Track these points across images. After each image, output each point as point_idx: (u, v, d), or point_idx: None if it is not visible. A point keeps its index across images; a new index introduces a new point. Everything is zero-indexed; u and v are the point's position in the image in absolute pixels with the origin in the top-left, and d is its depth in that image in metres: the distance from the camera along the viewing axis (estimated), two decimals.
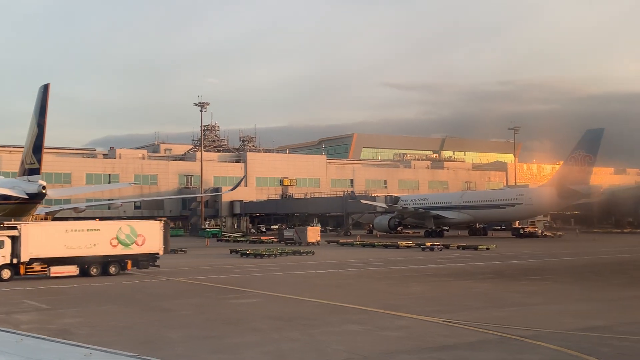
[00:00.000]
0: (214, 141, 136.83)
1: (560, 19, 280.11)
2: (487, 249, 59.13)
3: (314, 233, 71.13)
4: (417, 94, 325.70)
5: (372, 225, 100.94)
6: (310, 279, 35.52)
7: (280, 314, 22.60)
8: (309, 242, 69.49)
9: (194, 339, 18.38)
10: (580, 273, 38.10)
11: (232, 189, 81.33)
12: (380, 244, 66.78)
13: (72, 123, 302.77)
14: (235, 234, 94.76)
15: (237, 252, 55.13)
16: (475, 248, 59.19)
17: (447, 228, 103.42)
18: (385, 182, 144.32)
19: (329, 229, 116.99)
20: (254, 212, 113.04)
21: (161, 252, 38.67)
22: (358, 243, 69.98)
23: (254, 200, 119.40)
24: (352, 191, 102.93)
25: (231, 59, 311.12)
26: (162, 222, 39.39)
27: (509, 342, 17.37)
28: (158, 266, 38.39)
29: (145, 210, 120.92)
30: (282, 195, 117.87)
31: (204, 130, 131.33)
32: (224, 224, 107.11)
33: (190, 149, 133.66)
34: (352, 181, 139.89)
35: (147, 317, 22.96)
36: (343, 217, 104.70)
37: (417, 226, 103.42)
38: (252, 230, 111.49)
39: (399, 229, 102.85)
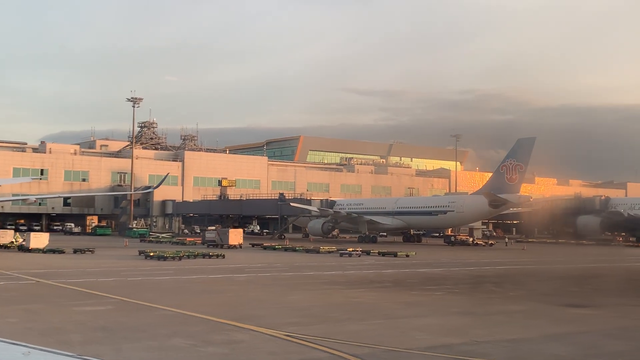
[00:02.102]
0: (152, 138, 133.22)
1: (520, 32, 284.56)
2: (407, 255, 57.83)
3: (235, 235, 68.87)
4: (377, 100, 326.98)
5: (307, 229, 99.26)
6: (192, 284, 33.26)
7: (113, 325, 20.28)
8: (231, 245, 67.41)
9: None
10: (481, 283, 36.79)
11: (156, 187, 78.29)
12: (302, 248, 65.08)
13: (30, 117, 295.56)
14: (163, 235, 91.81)
15: (144, 253, 52.48)
16: (395, 255, 57.83)
17: (385, 234, 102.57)
18: (327, 185, 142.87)
19: (266, 232, 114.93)
20: (187, 213, 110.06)
21: None
22: (280, 247, 68.00)
23: (190, 200, 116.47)
24: (281, 193, 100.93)
25: (191, 58, 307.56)
26: None
27: None
28: None
29: (74, 207, 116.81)
30: (220, 196, 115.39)
31: (141, 127, 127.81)
32: (154, 223, 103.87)
33: (126, 146, 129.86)
34: (294, 184, 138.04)
35: None
36: (284, 220, 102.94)
37: (355, 231, 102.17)
38: (186, 231, 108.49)
39: (335, 233, 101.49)
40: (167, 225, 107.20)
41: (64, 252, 55.41)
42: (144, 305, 24.74)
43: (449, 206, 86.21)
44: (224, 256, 52.06)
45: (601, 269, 52.00)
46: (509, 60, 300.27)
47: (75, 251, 56.51)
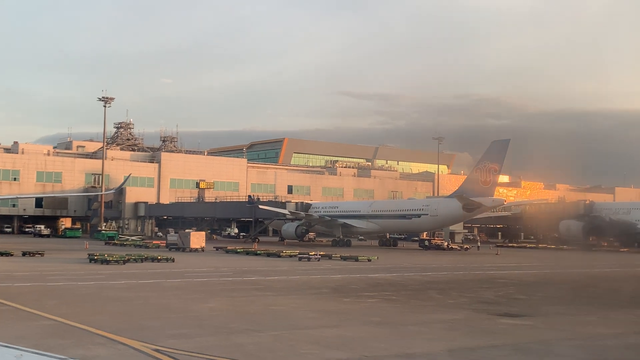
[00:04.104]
0: (128, 139, 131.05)
1: (516, 37, 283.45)
2: (369, 260, 55.97)
3: (197, 239, 66.97)
4: (373, 104, 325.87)
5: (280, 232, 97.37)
6: (111, 290, 31.21)
7: None
8: (192, 248, 65.64)
9: None
10: (425, 290, 34.83)
11: (118, 188, 76.22)
12: (264, 252, 63.17)
13: (26, 120, 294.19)
14: (133, 238, 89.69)
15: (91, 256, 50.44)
16: (356, 259, 55.95)
17: (362, 237, 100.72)
18: (309, 188, 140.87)
19: (243, 235, 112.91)
20: (161, 215, 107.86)
21: None
22: (242, 251, 66.09)
23: (167, 202, 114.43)
24: (250, 195, 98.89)
25: (187, 62, 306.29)
26: None
27: None
28: None
29: (47, 209, 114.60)
30: (198, 199, 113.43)
31: (117, 127, 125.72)
32: (126, 226, 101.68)
33: (102, 147, 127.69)
34: (274, 186, 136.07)
35: None
36: (259, 223, 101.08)
37: (331, 235, 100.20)
38: (159, 234, 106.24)
39: (311, 236, 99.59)
40: (139, 227, 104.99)
41: (11, 255, 53.41)
42: (33, 314, 22.76)
43: (423, 209, 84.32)
44: (173, 260, 50.08)
45: (565, 274, 50.16)
46: (504, 65, 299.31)
47: (24, 254, 54.46)
